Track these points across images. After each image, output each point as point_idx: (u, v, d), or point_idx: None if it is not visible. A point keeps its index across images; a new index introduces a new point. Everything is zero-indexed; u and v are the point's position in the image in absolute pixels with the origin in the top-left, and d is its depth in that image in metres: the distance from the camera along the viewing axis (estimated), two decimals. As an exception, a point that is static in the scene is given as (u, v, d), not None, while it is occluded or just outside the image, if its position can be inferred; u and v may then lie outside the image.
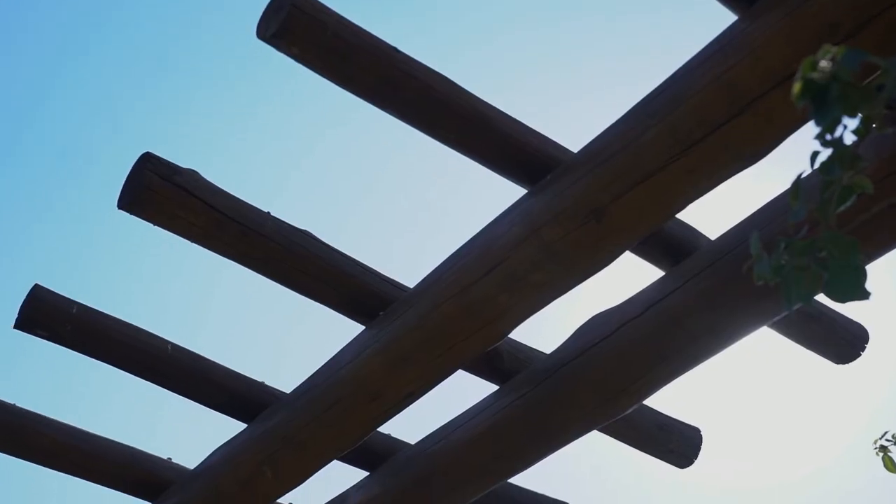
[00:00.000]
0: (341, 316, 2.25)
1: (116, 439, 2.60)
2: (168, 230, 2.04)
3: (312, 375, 2.31)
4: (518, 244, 1.94)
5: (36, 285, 2.25)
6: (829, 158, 1.12)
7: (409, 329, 2.10)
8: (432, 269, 2.12)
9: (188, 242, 2.08)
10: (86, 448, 2.55)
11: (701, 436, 2.67)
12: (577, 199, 1.87)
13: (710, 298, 2.06)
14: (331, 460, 2.36)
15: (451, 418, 2.46)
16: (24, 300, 2.23)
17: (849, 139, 1.11)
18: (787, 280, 1.17)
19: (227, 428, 2.51)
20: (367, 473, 2.61)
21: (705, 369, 2.20)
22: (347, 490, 2.64)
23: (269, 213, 2.10)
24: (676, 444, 2.62)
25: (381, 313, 2.20)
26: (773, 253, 1.18)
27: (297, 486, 2.41)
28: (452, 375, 2.19)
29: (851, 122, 1.11)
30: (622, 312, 2.18)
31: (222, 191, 2.06)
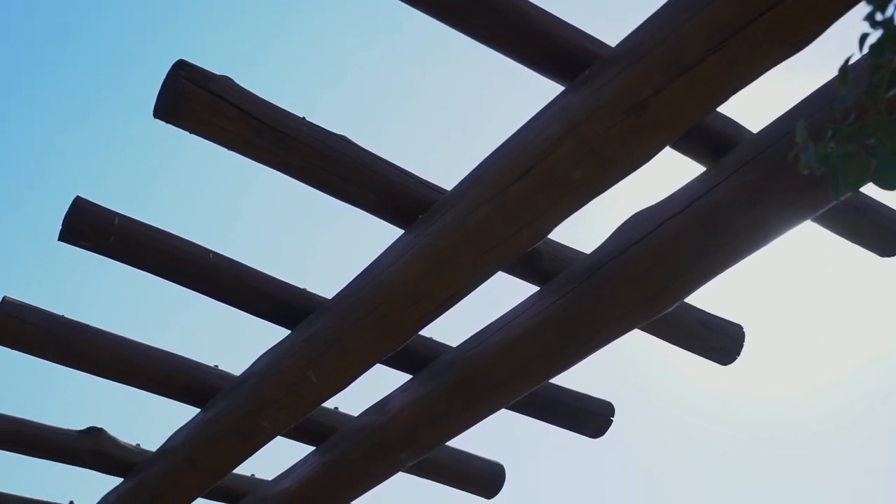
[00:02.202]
0: (370, 223, 2.24)
1: (164, 348, 2.66)
2: (205, 137, 2.03)
3: (353, 280, 2.32)
4: (556, 142, 1.92)
5: (77, 197, 2.26)
6: (879, 40, 1.08)
7: (449, 231, 2.09)
8: (470, 170, 2.11)
9: (224, 151, 2.08)
10: (136, 358, 2.60)
11: (743, 332, 2.67)
12: (616, 94, 1.84)
13: (753, 192, 2.04)
14: (374, 364, 2.38)
15: (491, 320, 2.47)
16: (67, 212, 2.24)
17: (900, 19, 1.08)
18: (835, 169, 1.15)
19: (268, 335, 2.53)
20: (409, 377, 2.64)
21: (748, 265, 2.19)
22: (391, 393, 2.68)
23: (304, 118, 2.09)
24: (718, 341, 2.62)
25: (420, 216, 2.20)
26: (820, 141, 1.16)
27: (341, 390, 2.45)
28: (493, 277, 2.19)
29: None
30: (663, 209, 2.16)
31: (257, 97, 2.05)
